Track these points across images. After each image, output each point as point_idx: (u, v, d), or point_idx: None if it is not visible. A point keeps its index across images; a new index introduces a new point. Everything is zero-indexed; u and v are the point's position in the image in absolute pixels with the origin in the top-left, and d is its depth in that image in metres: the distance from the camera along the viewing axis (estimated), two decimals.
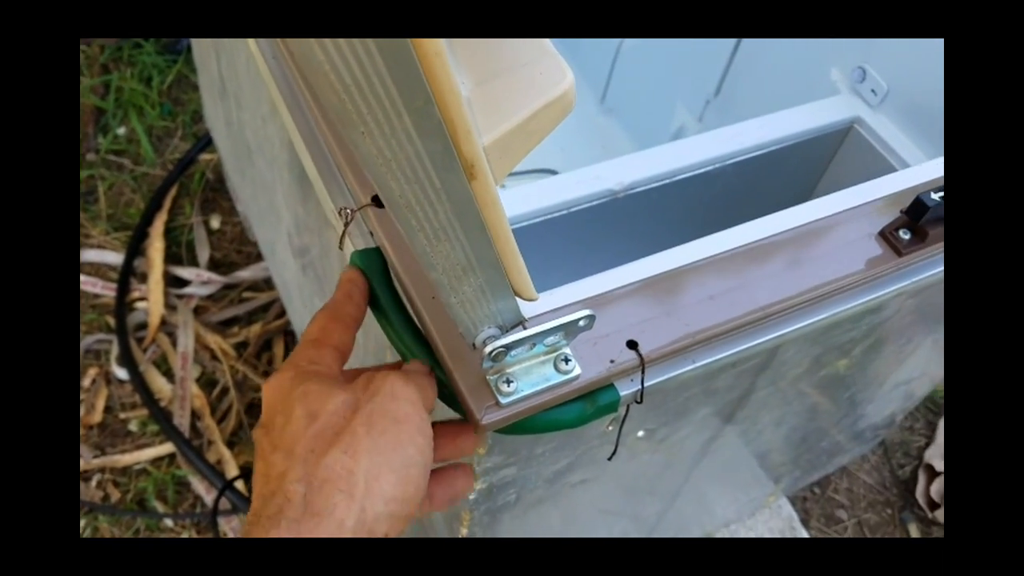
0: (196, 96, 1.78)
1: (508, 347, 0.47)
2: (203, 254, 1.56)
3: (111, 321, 1.44)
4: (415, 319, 0.55)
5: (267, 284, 1.55)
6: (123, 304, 1.45)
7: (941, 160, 0.71)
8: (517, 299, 0.47)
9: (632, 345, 0.52)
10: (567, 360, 0.50)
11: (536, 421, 0.51)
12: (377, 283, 0.56)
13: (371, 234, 0.60)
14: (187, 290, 1.50)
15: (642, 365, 0.52)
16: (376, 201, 0.58)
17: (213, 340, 1.43)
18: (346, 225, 0.59)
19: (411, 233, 0.39)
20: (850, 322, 0.70)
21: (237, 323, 1.50)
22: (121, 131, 1.71)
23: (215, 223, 1.62)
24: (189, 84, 1.80)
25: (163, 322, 1.45)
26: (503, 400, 0.49)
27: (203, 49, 1.24)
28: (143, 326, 1.45)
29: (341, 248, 0.61)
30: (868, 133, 1.03)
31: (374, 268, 0.57)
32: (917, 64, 0.97)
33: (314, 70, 0.30)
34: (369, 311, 0.56)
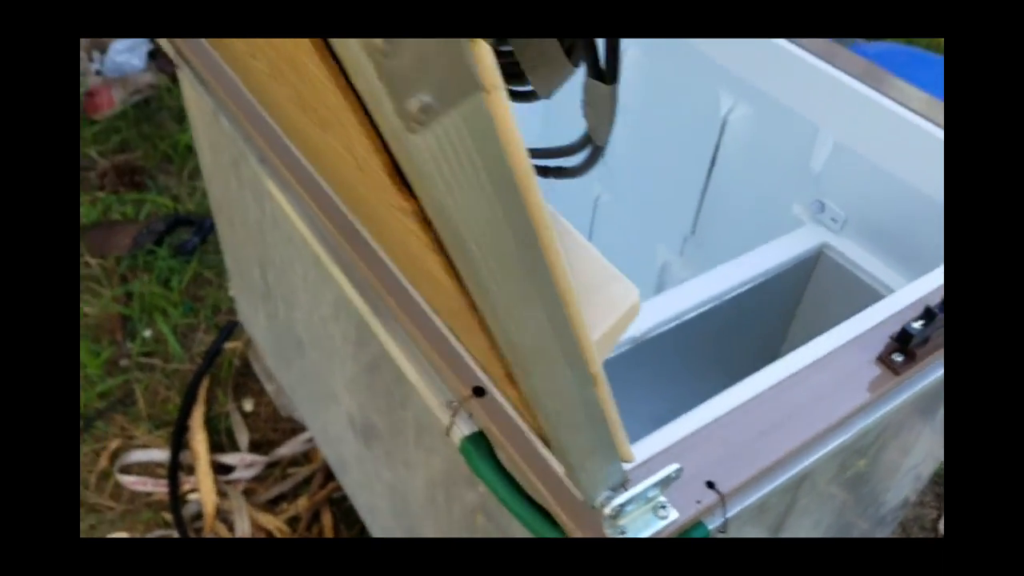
0: (213, 291, 1.92)
1: (623, 505, 0.59)
2: (243, 438, 1.66)
3: (168, 517, 1.52)
4: (525, 487, 0.67)
5: (305, 458, 1.65)
6: (177, 498, 1.53)
7: (914, 285, 0.87)
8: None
9: (711, 485, 0.65)
10: (664, 507, 0.63)
11: None
12: (487, 462, 0.69)
13: (470, 416, 0.72)
14: (234, 475, 1.59)
15: (723, 501, 0.64)
16: (476, 392, 0.71)
17: (267, 520, 1.51)
18: (454, 415, 0.72)
19: (559, 434, 0.52)
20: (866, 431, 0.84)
21: (284, 499, 1.58)
22: (148, 333, 1.83)
23: (248, 406, 1.73)
24: (205, 280, 1.94)
25: (217, 510, 1.53)
26: None
27: (244, 263, 1.38)
28: (199, 516, 1.53)
29: (448, 435, 0.74)
30: (836, 255, 1.20)
31: (483, 449, 0.70)
32: (868, 195, 1.15)
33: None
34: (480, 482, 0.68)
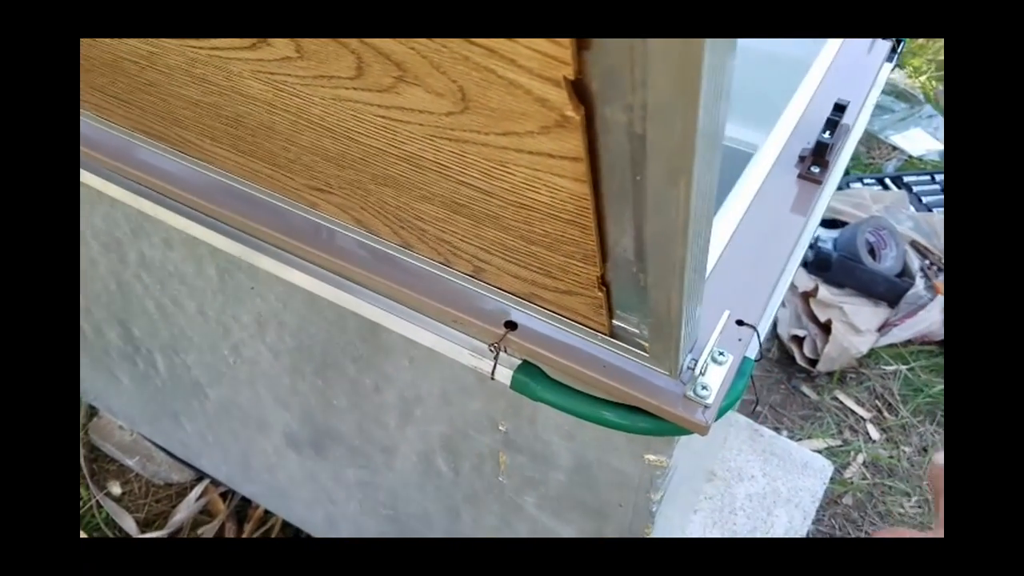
0: None
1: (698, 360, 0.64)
2: (128, 522, 1.48)
3: None
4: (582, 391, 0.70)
5: (207, 514, 1.52)
6: None
7: (790, 111, 0.97)
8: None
9: (741, 322, 0.72)
10: (722, 353, 0.69)
11: (728, 402, 0.68)
12: (547, 384, 0.70)
13: (505, 351, 0.72)
14: None
15: (756, 332, 0.72)
16: (509, 326, 0.72)
17: None
18: (497, 354, 0.72)
19: (683, 303, 0.55)
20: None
21: None
22: None
23: (116, 489, 1.55)
24: None
25: None
26: (708, 401, 0.66)
27: (90, 328, 1.22)
28: None
29: (493, 378, 0.74)
30: None
31: (534, 373, 0.71)
32: None
33: None
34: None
